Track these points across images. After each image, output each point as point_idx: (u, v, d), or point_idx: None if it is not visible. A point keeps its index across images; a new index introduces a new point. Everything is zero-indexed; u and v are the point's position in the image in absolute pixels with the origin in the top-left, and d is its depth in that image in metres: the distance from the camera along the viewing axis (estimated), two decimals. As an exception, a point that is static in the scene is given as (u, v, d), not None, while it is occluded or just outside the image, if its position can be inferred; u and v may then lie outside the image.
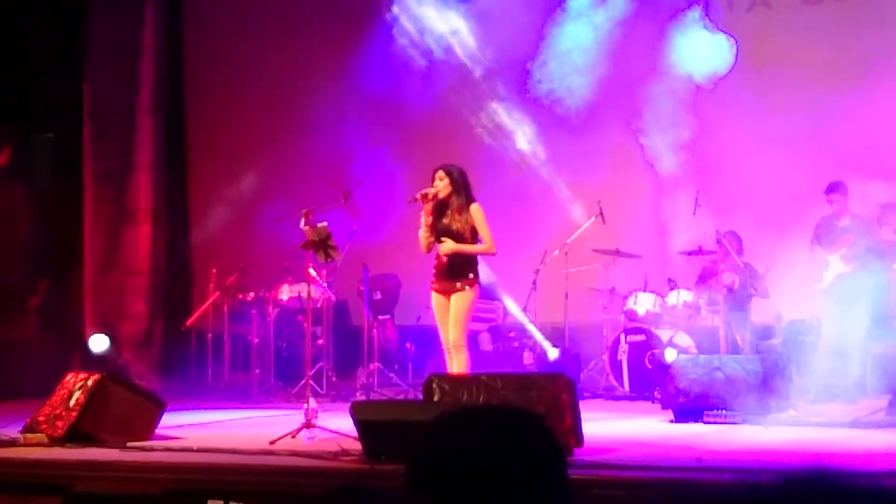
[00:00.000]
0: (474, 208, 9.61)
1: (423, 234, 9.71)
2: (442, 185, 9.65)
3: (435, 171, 9.76)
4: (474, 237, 9.61)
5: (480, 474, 2.01)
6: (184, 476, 7.52)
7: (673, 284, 12.70)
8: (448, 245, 9.59)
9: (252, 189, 15.22)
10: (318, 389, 12.36)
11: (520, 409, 2.24)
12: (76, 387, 9.12)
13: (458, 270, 9.62)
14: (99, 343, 14.72)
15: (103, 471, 7.84)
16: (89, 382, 9.09)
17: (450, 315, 9.60)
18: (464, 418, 2.15)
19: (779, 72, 13.31)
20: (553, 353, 12.80)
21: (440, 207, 9.69)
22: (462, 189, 9.66)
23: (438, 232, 9.65)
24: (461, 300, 9.58)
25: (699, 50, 12.89)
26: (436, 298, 9.72)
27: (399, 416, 7.54)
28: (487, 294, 12.97)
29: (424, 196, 9.63)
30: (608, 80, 13.43)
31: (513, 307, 13.26)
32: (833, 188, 11.67)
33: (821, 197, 11.80)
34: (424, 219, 9.67)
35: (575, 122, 13.79)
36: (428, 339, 12.74)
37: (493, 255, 9.90)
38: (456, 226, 9.60)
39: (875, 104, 13.12)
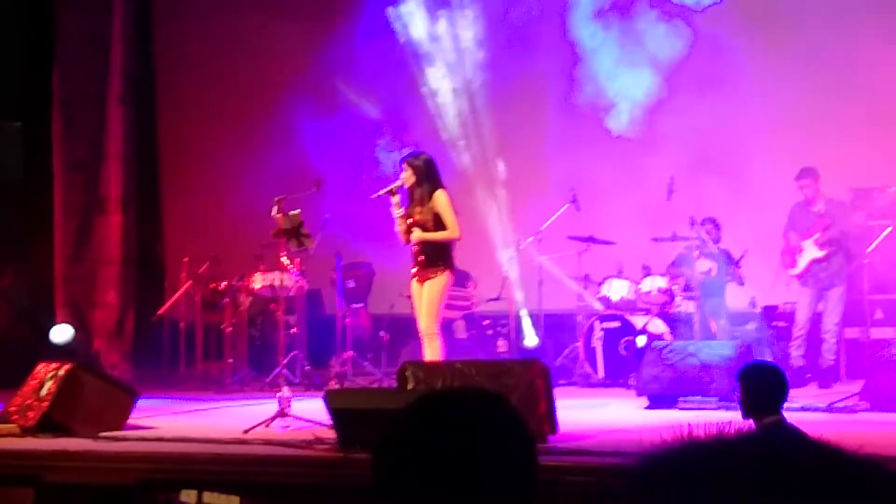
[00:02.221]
0: (437, 194, 9.64)
1: (398, 227, 9.77)
2: (406, 177, 9.72)
3: (401, 162, 9.83)
4: (439, 225, 9.62)
5: (444, 459, 1.99)
6: (157, 466, 7.48)
7: (647, 271, 12.70)
8: (415, 234, 9.65)
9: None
10: (292, 378, 12.31)
11: (484, 390, 2.21)
12: (47, 377, 9.06)
13: (428, 259, 9.68)
14: (61, 333, 14.56)
15: (76, 461, 7.79)
16: (61, 372, 9.03)
17: (422, 302, 9.64)
18: (425, 404, 2.12)
19: (753, 54, 13.31)
20: (533, 342, 12.80)
21: (411, 198, 9.75)
22: (425, 178, 9.69)
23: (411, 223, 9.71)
24: (431, 288, 9.63)
25: None
26: (413, 286, 9.80)
27: (373, 404, 7.53)
28: (462, 281, 12.97)
29: (390, 192, 9.71)
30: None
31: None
32: (803, 174, 11.67)
33: (793, 182, 11.82)
34: (395, 211, 9.73)
35: (550, 107, 13.82)
36: (402, 327, 12.73)
37: (457, 239, 9.89)
38: (418, 216, 9.65)
39: (848, 88, 13.18)
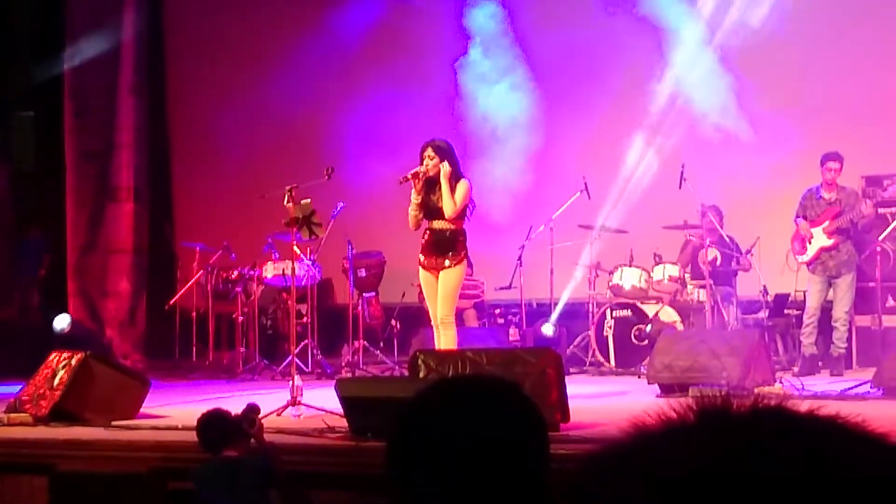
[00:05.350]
0: (461, 184, 9.51)
1: (412, 211, 9.61)
2: (433, 164, 9.55)
3: (424, 147, 9.65)
4: (461, 214, 9.54)
5: (457, 446, 1.98)
6: (169, 454, 7.49)
7: (658, 259, 12.68)
8: (442, 167, 9.42)
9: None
10: (304, 367, 12.31)
11: (497, 377, 2.21)
12: (60, 366, 9.08)
13: (445, 247, 9.53)
14: (60, 322, 14.59)
15: (88, 450, 7.82)
16: (73, 361, 9.04)
17: (438, 291, 9.54)
18: (438, 391, 2.12)
19: (765, 42, 13.27)
20: (549, 330, 12.79)
21: (430, 184, 9.59)
22: (451, 167, 9.53)
23: (427, 209, 9.57)
24: (449, 276, 9.50)
25: None
26: (423, 275, 9.63)
27: (384, 393, 7.53)
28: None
29: (415, 175, 9.52)
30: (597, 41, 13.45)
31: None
32: (834, 157, 11.53)
33: (805, 169, 11.79)
34: (414, 197, 9.57)
35: (560, 95, 13.81)
36: (413, 316, 12.73)
37: (451, 221, 9.58)
38: (441, 204, 9.50)
39: (860, 75, 13.14)
